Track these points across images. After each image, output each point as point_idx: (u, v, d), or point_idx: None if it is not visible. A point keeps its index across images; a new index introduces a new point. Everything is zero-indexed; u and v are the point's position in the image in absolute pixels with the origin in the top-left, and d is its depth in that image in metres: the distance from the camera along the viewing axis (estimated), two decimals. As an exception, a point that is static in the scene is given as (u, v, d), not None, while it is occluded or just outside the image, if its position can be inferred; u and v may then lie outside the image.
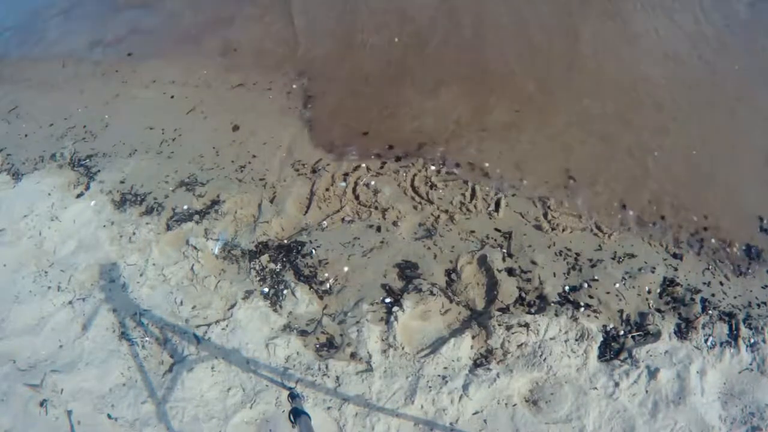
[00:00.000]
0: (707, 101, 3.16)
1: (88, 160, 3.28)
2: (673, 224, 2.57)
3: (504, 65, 3.46)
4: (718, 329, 2.22)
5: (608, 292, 2.36)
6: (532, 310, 2.31)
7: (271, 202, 2.86)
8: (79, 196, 3.04)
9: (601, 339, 2.21)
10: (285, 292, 2.46)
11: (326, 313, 2.39)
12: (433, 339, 2.27)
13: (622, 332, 2.24)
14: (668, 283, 2.38)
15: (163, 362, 2.30)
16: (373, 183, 2.88)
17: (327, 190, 2.87)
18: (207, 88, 3.67)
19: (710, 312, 2.27)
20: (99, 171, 3.19)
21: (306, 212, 2.80)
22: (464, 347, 2.19)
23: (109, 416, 2.15)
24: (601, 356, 2.17)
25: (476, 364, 2.16)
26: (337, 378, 2.15)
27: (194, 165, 3.14)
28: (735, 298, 2.34)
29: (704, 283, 2.39)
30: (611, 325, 2.26)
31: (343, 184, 2.90)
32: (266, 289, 2.48)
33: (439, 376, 2.12)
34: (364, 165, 2.99)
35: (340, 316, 2.36)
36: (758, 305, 2.31)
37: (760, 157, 2.86)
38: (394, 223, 2.69)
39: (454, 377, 2.11)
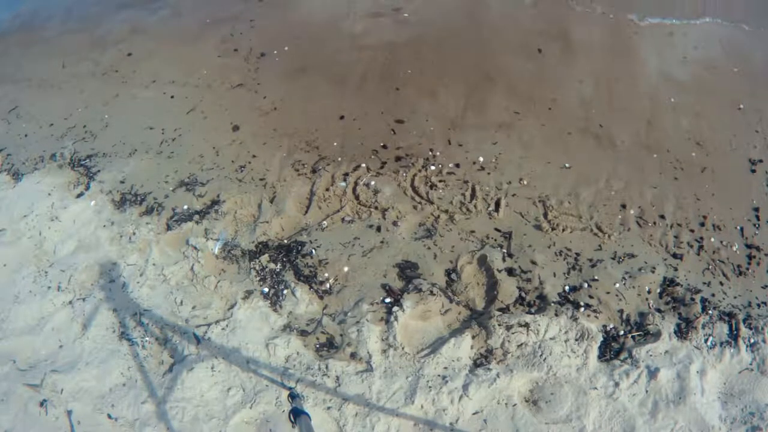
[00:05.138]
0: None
1: (88, 160, 3.28)
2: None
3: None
4: (718, 329, 2.22)
5: (608, 292, 2.36)
6: (532, 310, 2.31)
7: (271, 202, 2.86)
8: (79, 196, 3.04)
9: (601, 339, 2.21)
10: (285, 292, 2.46)
11: (326, 313, 2.39)
12: (433, 339, 2.27)
13: (622, 332, 2.24)
14: (668, 283, 2.38)
15: (163, 362, 2.30)
16: (373, 183, 2.88)
17: (327, 190, 2.87)
18: (207, 88, 3.67)
19: (710, 312, 2.27)
20: (99, 171, 3.19)
21: (306, 212, 2.80)
22: (464, 347, 2.19)
23: (109, 416, 2.15)
24: (601, 356, 2.17)
25: (476, 364, 2.16)
26: (337, 378, 2.15)
27: (194, 165, 3.14)
28: (735, 298, 2.34)
29: (704, 283, 2.39)
30: (611, 325, 2.26)
31: (343, 184, 2.90)
32: (266, 289, 2.48)
33: (439, 376, 2.12)
34: (364, 165, 2.99)
35: (340, 316, 2.36)
36: (758, 305, 2.31)
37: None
38: (394, 223, 2.69)
39: (454, 377, 2.11)
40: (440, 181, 2.87)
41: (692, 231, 2.59)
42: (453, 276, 2.46)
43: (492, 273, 2.44)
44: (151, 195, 2.99)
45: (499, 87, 3.36)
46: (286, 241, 2.67)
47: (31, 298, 2.57)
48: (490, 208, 2.73)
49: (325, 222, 2.72)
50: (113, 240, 2.78)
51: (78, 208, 2.96)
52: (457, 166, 2.95)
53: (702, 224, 2.61)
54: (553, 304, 2.31)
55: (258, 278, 2.52)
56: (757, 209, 2.66)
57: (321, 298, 2.44)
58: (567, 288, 2.38)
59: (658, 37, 3.62)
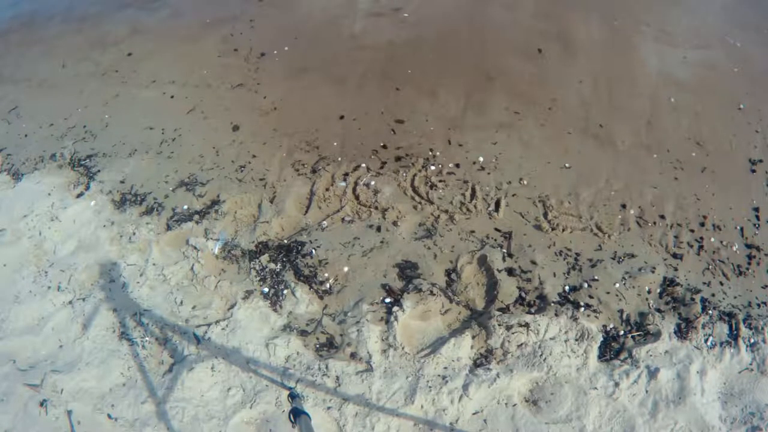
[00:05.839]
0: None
1: (88, 160, 3.28)
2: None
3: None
4: (718, 329, 2.22)
5: (608, 292, 2.36)
6: (532, 310, 2.31)
7: (271, 202, 2.86)
8: (79, 196, 3.04)
9: (601, 339, 2.21)
10: (285, 292, 2.46)
11: (326, 313, 2.39)
12: (433, 339, 2.27)
13: (622, 332, 2.24)
14: (668, 283, 2.38)
15: (163, 362, 2.30)
16: (373, 183, 2.88)
17: (327, 190, 2.87)
18: (207, 88, 3.67)
19: (710, 312, 2.27)
20: (99, 171, 3.19)
21: (306, 212, 2.80)
22: (464, 347, 2.19)
23: (109, 416, 2.15)
24: (601, 356, 2.17)
25: (476, 364, 2.16)
26: (337, 378, 2.15)
27: (194, 165, 3.14)
28: (735, 298, 2.34)
29: (704, 283, 2.39)
30: (611, 325, 2.26)
31: (343, 184, 2.90)
32: (266, 289, 2.48)
33: (439, 376, 2.12)
34: (364, 165, 2.99)
35: (340, 316, 2.36)
36: (758, 305, 2.31)
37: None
38: (394, 223, 2.69)
39: (454, 377, 2.11)
40: (440, 181, 2.87)
41: (692, 231, 2.59)
42: (453, 276, 2.46)
43: (492, 273, 2.44)
44: (151, 195, 2.99)
45: (499, 87, 3.36)
46: (286, 241, 2.67)
47: (31, 298, 2.57)
48: (490, 208, 2.73)
49: (325, 222, 2.72)
50: (113, 240, 2.78)
51: (78, 208, 2.95)
52: (457, 166, 2.95)
53: (702, 224, 2.61)
54: (553, 304, 2.31)
55: (258, 278, 2.52)
56: (757, 209, 2.67)
57: (321, 298, 2.44)
58: (567, 288, 2.39)
59: (659, 37, 3.62)
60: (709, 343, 2.17)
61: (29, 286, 2.63)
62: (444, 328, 2.31)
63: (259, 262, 2.57)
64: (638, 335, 2.23)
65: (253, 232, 2.72)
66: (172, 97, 3.65)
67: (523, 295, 2.37)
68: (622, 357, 2.15)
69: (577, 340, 2.19)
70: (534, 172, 2.89)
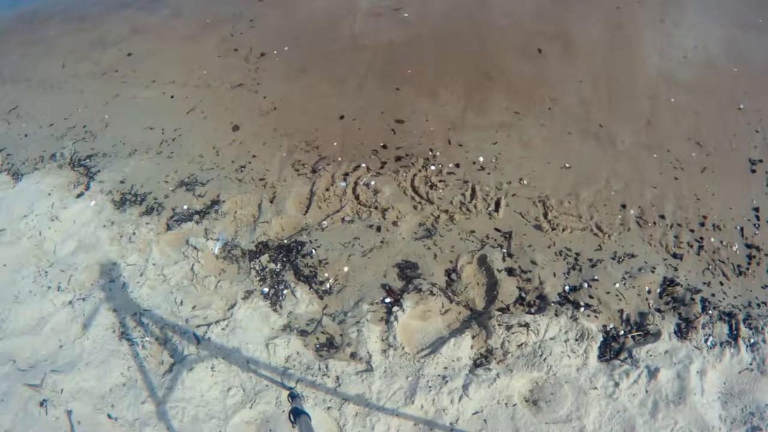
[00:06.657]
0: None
1: (88, 160, 3.28)
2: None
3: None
4: (718, 329, 2.22)
5: (608, 292, 2.36)
6: (532, 310, 2.31)
7: (271, 202, 2.86)
8: (79, 196, 3.04)
9: (601, 339, 2.21)
10: (285, 292, 2.46)
11: (326, 313, 2.39)
12: (433, 339, 2.27)
13: (622, 332, 2.24)
14: (668, 283, 2.38)
15: (163, 362, 2.30)
16: (373, 183, 2.88)
17: (327, 190, 2.87)
18: (207, 88, 3.67)
19: (710, 312, 2.27)
20: (99, 171, 3.19)
21: (306, 212, 2.80)
22: (464, 347, 2.19)
23: (109, 416, 2.15)
24: (601, 356, 2.17)
25: (476, 364, 2.16)
26: (337, 378, 2.15)
27: (194, 165, 3.14)
28: (735, 298, 2.34)
29: (704, 283, 2.39)
30: (611, 325, 2.26)
31: (343, 184, 2.90)
32: (266, 289, 2.48)
33: (439, 376, 2.12)
34: (364, 165, 2.99)
35: (340, 316, 2.36)
36: (758, 305, 2.31)
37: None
38: (394, 223, 2.69)
39: (454, 377, 2.11)
40: (440, 181, 2.87)
41: (692, 231, 2.59)
42: (453, 276, 2.46)
43: (492, 273, 2.44)
44: (151, 195, 2.99)
45: (499, 87, 3.36)
46: (286, 241, 2.67)
47: (31, 298, 2.57)
48: (490, 208, 2.73)
49: (325, 222, 2.72)
50: (113, 240, 2.78)
51: (78, 208, 2.95)
52: (457, 166, 2.95)
53: (702, 224, 2.61)
54: (553, 304, 2.31)
55: (258, 278, 2.52)
56: (757, 209, 2.66)
57: (321, 298, 2.44)
58: (567, 288, 2.38)
59: (659, 37, 3.62)
60: (709, 343, 2.17)
61: (29, 286, 2.63)
62: (444, 328, 2.31)
63: (259, 262, 2.57)
64: (638, 335, 2.23)
65: (253, 232, 2.72)
66: (172, 97, 3.65)
67: (523, 295, 2.37)
68: (622, 357, 2.15)
69: (577, 340, 2.19)
70: (534, 172, 2.88)
